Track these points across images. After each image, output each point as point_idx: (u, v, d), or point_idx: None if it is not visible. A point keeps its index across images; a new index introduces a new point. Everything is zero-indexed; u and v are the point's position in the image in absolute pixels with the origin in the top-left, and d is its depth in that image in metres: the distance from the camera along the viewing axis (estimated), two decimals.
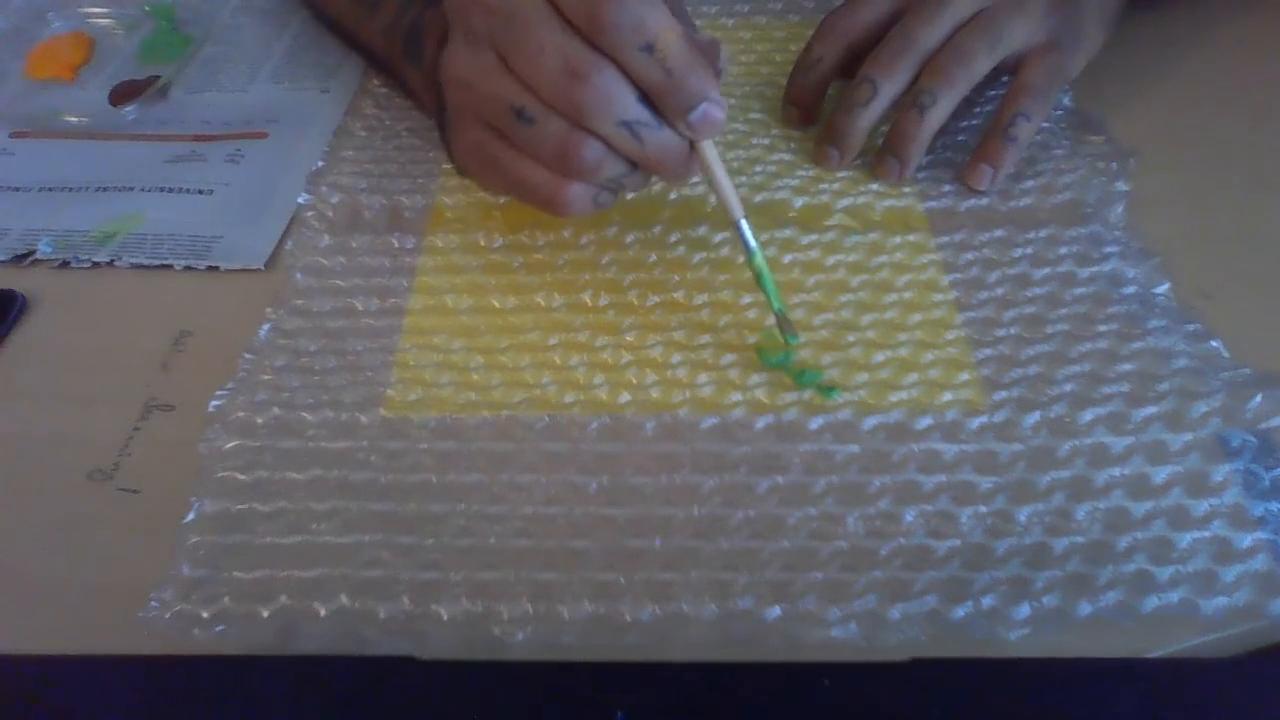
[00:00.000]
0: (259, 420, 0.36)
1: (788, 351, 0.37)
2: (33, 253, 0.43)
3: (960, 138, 0.46)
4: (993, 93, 0.48)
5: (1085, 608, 0.30)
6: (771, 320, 0.38)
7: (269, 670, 0.30)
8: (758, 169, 0.45)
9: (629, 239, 0.42)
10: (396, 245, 0.42)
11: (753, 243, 0.36)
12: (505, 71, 0.33)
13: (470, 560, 0.32)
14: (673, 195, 0.44)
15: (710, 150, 0.34)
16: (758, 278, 0.36)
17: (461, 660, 0.29)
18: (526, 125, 0.33)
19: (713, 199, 0.43)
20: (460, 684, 0.29)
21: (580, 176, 0.34)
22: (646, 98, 0.32)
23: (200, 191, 0.46)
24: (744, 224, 0.35)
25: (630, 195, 0.38)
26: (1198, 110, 0.48)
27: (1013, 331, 0.38)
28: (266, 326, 0.39)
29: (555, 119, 0.32)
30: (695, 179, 0.35)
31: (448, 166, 0.46)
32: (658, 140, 0.33)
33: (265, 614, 0.30)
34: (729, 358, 0.37)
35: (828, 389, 0.36)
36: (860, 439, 0.34)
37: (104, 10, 0.58)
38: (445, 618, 0.30)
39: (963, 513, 0.32)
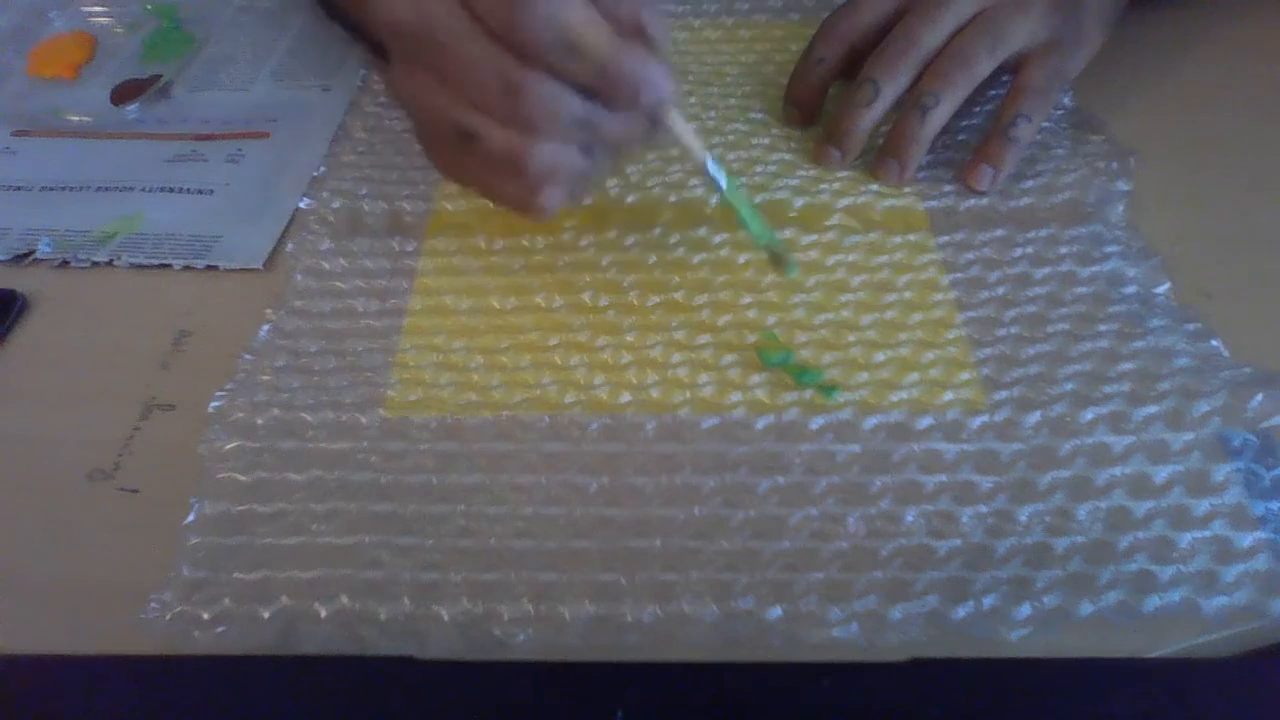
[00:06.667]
0: (259, 421, 0.36)
1: (788, 351, 0.37)
2: (33, 252, 0.43)
3: (960, 137, 0.46)
4: (993, 93, 0.48)
5: (1086, 607, 0.30)
6: (773, 320, 0.38)
7: (269, 670, 0.30)
8: (758, 169, 0.45)
9: (629, 240, 0.42)
10: (397, 248, 0.42)
11: (723, 182, 0.34)
12: (441, 88, 0.31)
13: (471, 561, 0.31)
14: (673, 198, 0.44)
15: (670, 112, 0.33)
16: (737, 216, 0.35)
17: (461, 660, 0.29)
18: (473, 141, 0.32)
19: (714, 199, 0.43)
20: (460, 684, 0.29)
21: (539, 184, 0.33)
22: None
23: (200, 191, 0.46)
24: (711, 164, 0.34)
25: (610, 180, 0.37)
26: (1198, 110, 0.48)
27: (1013, 331, 0.38)
28: (266, 327, 0.39)
29: (498, 131, 0.31)
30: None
31: None
32: (613, 126, 0.32)
33: (265, 615, 0.30)
34: (729, 358, 0.37)
35: (828, 389, 0.36)
36: (861, 439, 0.34)
37: (106, 9, 0.58)
38: (446, 618, 0.30)
39: (963, 512, 0.32)
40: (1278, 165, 0.45)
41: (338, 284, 0.41)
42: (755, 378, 0.36)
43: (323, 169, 0.47)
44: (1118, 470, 0.33)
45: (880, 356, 0.37)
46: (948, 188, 0.44)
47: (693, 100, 0.49)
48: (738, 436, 0.35)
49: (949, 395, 0.35)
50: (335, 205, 0.45)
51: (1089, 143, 0.46)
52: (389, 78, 0.34)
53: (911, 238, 0.42)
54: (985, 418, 0.35)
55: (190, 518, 0.33)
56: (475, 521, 0.32)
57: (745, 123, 0.48)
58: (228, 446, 0.35)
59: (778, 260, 0.36)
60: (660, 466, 0.34)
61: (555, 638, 0.30)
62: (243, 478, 0.34)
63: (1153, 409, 0.34)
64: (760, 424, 0.35)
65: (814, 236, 0.42)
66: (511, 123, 0.31)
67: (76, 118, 0.51)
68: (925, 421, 0.35)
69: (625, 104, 0.31)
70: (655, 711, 0.28)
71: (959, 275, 0.40)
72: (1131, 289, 0.39)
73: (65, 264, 0.43)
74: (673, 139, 0.34)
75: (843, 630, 0.30)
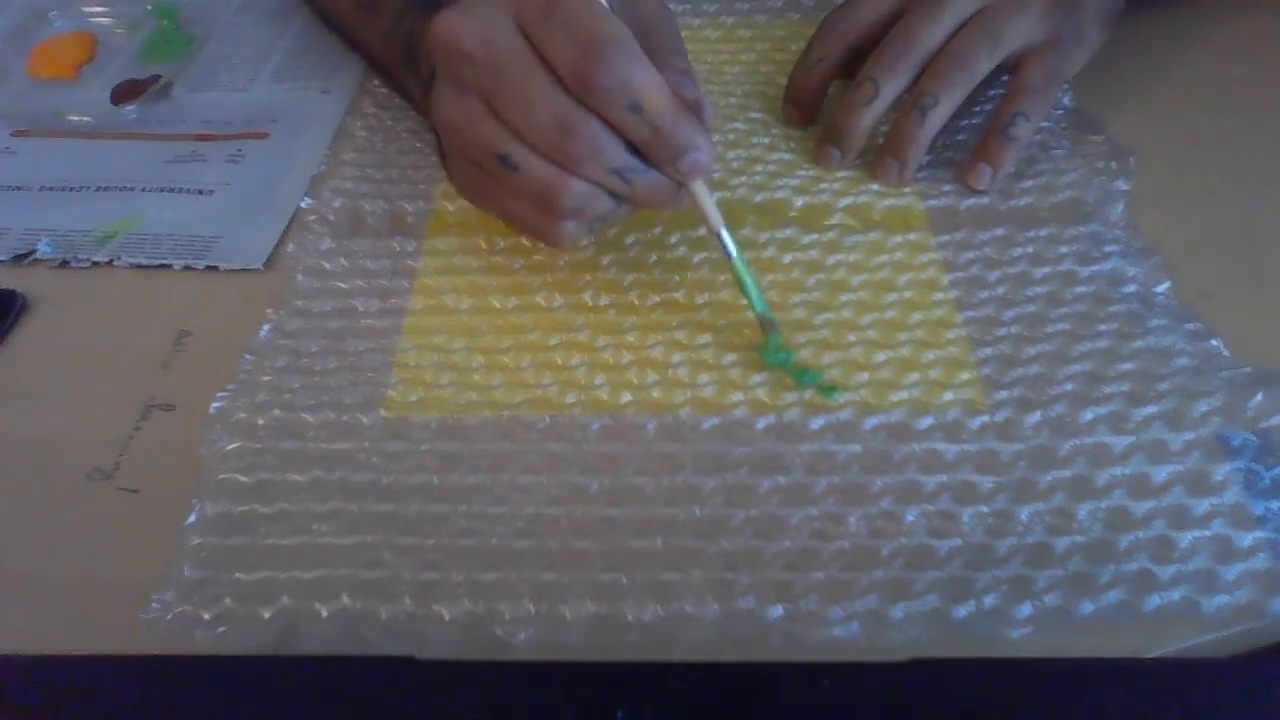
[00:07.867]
0: (260, 421, 0.36)
1: (789, 351, 0.37)
2: (33, 253, 0.43)
3: (960, 137, 0.46)
4: (993, 92, 0.48)
5: (1087, 607, 0.30)
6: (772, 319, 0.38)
7: (269, 670, 0.30)
8: (758, 169, 0.45)
9: (629, 240, 0.42)
10: (397, 248, 0.42)
11: (733, 250, 0.36)
12: (491, 117, 0.33)
13: (472, 561, 0.31)
14: None
15: (698, 183, 0.35)
16: (739, 285, 0.36)
17: (461, 660, 0.29)
18: (510, 171, 0.34)
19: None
20: (460, 684, 0.29)
21: (564, 218, 0.35)
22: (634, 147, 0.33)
23: (200, 191, 0.46)
24: (724, 233, 0.36)
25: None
26: (1198, 110, 0.48)
27: (1013, 331, 0.38)
28: (267, 327, 0.39)
29: (538, 165, 0.33)
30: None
31: None
32: (646, 182, 0.34)
33: (266, 615, 0.30)
34: (730, 358, 0.37)
35: (828, 389, 0.36)
36: (861, 439, 0.34)
37: (106, 9, 0.58)
38: (447, 618, 0.30)
39: (964, 512, 0.32)
40: (1278, 165, 0.45)
41: (338, 284, 0.41)
42: (756, 378, 0.37)
43: (322, 167, 0.47)
44: (1118, 470, 0.33)
45: (880, 356, 0.37)
46: (948, 187, 0.44)
47: None
48: (738, 436, 0.35)
49: (949, 395, 0.36)
50: (336, 204, 0.45)
51: (1088, 143, 0.46)
52: (431, 99, 0.35)
53: (911, 237, 0.42)
54: (985, 418, 0.35)
55: (191, 518, 0.33)
56: (476, 521, 0.32)
57: (745, 122, 0.48)
58: (229, 447, 0.35)
59: (765, 327, 0.37)
60: (661, 466, 0.34)
61: (556, 637, 0.30)
62: (244, 478, 0.34)
63: (1152, 409, 0.34)
64: (761, 424, 0.35)
65: (814, 236, 0.42)
66: (555, 158, 0.33)
67: (76, 118, 0.51)
68: (925, 421, 0.35)
69: (665, 164, 0.34)
70: (655, 711, 0.28)
71: (959, 275, 0.40)
72: (1131, 288, 0.39)
73: (65, 264, 0.43)
74: (694, 204, 0.35)
75: (843, 630, 0.30)
